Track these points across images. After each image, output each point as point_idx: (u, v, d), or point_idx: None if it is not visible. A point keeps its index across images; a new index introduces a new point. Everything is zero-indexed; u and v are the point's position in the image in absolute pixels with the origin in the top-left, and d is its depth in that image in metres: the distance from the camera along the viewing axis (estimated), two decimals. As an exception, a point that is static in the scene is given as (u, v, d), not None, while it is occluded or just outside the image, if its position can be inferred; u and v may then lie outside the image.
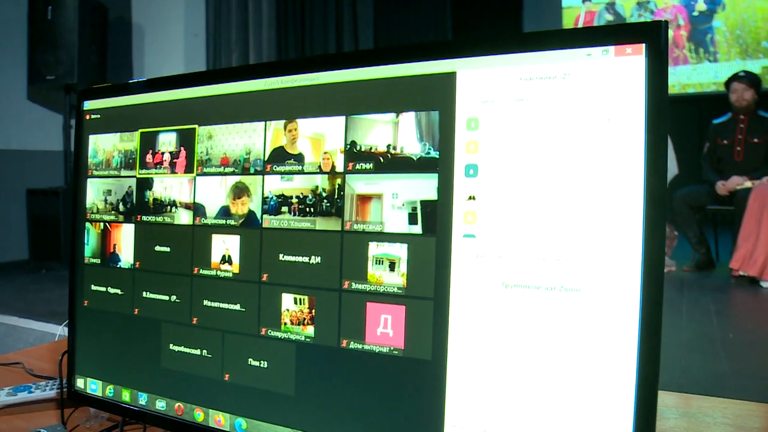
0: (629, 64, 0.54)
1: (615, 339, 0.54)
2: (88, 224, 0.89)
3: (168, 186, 0.81)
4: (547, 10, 7.47)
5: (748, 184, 4.34)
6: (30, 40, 4.67)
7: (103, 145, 0.88)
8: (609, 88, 0.55)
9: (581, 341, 0.55)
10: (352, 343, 0.65)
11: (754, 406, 0.92)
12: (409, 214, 0.62)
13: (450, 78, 0.61)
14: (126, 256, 0.85)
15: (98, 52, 4.86)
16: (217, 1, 5.26)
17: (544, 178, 0.56)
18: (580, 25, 7.47)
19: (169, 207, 0.81)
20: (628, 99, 0.54)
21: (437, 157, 0.61)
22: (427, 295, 0.61)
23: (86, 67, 4.63)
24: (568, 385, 0.55)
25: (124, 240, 0.85)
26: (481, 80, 0.60)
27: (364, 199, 0.65)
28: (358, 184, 0.65)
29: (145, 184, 0.83)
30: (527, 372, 0.57)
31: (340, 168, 0.67)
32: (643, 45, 0.54)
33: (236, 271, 0.74)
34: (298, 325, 0.69)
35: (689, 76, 7.05)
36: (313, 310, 0.68)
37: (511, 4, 7.47)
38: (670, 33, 7.09)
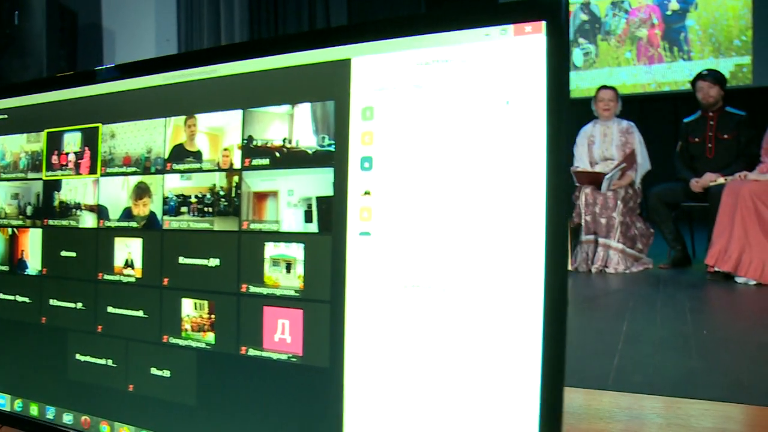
0: (529, 43, 0.51)
1: (518, 339, 0.50)
2: (-4, 230, 0.85)
3: (73, 188, 0.77)
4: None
5: (721, 180, 4.35)
6: (-4, 46, 4.59)
7: (11, 147, 0.84)
8: (508, 70, 0.51)
9: (482, 342, 0.51)
10: (250, 350, 0.61)
11: (734, 408, 0.89)
12: (305, 211, 0.58)
13: (344, 65, 0.58)
14: (33, 262, 0.80)
15: (68, 58, 4.79)
16: (189, 7, 5.20)
17: (440, 169, 0.53)
18: (555, 26, 7.49)
19: (74, 210, 0.76)
20: (529, 81, 0.50)
21: (333, 150, 0.58)
22: (324, 297, 0.57)
23: (55, 73, 4.55)
24: (470, 388, 0.52)
25: (32, 245, 0.81)
26: (377, 66, 0.56)
27: (261, 196, 0.61)
28: (255, 181, 0.62)
29: (51, 187, 0.79)
30: (428, 377, 0.53)
31: (238, 164, 0.63)
32: (543, 23, 0.51)
33: (139, 275, 0.70)
34: (198, 331, 0.65)
35: (664, 75, 7.09)
36: (213, 316, 0.64)
37: None
38: (645, 32, 7.14)
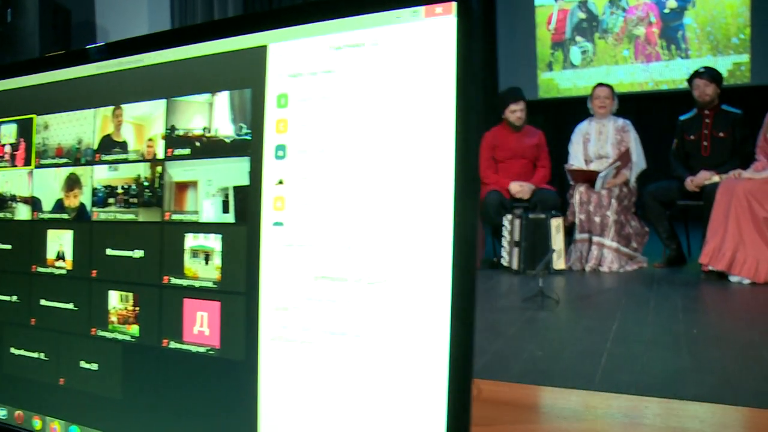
0: (439, 25, 0.49)
1: (427, 332, 0.49)
2: (-61, 223, 0.84)
3: (9, 180, 0.76)
4: (519, 9, 7.46)
5: (716, 178, 4.33)
6: (-11, 44, 4.59)
7: (-47, 139, 0.83)
8: (420, 53, 0.50)
9: (394, 335, 0.50)
10: (172, 342, 0.60)
11: (732, 410, 0.88)
12: (222, 201, 0.57)
13: (261, 52, 0.56)
14: (-27, 255, 0.79)
15: (61, 56, 4.78)
16: (182, 5, 5.20)
17: (350, 157, 0.52)
18: (552, 25, 7.47)
19: (9, 202, 0.76)
20: (438, 64, 0.49)
21: (249, 139, 0.56)
22: (239, 289, 0.56)
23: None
24: (382, 380, 0.51)
25: (-28, 239, 0.80)
26: (292, 53, 0.55)
27: (182, 187, 0.60)
28: (177, 171, 0.61)
29: (-11, 179, 0.78)
30: (340, 369, 0.52)
31: (161, 155, 0.62)
32: (453, 4, 0.49)
33: (70, 267, 0.69)
34: (124, 324, 0.64)
35: (662, 73, 7.06)
36: (137, 308, 0.63)
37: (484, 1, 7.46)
38: (643, 30, 7.10)
